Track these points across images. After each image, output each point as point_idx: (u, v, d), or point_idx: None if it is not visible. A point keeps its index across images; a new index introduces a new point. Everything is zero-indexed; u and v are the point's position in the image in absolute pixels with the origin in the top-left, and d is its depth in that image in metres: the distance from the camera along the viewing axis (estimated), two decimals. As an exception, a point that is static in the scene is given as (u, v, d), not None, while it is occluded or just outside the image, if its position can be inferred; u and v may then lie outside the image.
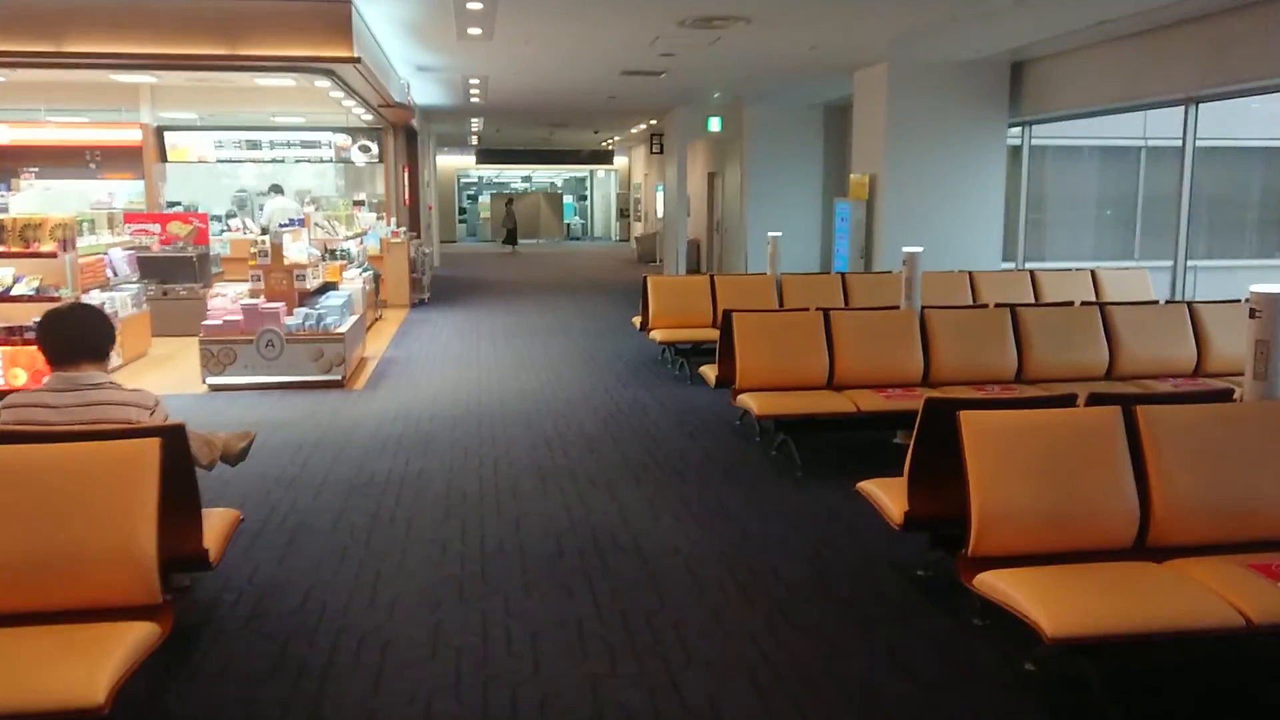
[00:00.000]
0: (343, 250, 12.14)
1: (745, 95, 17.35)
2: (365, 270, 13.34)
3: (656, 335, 9.51)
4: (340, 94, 11.73)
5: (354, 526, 5.48)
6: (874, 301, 8.00)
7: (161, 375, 9.72)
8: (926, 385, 6.74)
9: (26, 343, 8.54)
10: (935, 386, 6.69)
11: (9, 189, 13.90)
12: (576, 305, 16.18)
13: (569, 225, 38.36)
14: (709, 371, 7.50)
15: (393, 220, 16.23)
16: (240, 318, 8.95)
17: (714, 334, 7.96)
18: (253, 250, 9.26)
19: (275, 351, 8.91)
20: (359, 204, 16.36)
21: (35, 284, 8.72)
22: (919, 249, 7.20)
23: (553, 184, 39.42)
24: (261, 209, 16.67)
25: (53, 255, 8.67)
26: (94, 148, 15.36)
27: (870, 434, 7.08)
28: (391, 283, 15.31)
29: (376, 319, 13.82)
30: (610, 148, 32.50)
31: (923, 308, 7.01)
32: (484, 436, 7.44)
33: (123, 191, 15.67)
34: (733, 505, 5.76)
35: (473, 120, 22.58)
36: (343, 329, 9.29)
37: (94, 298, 9.56)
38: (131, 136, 15.32)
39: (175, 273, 12.57)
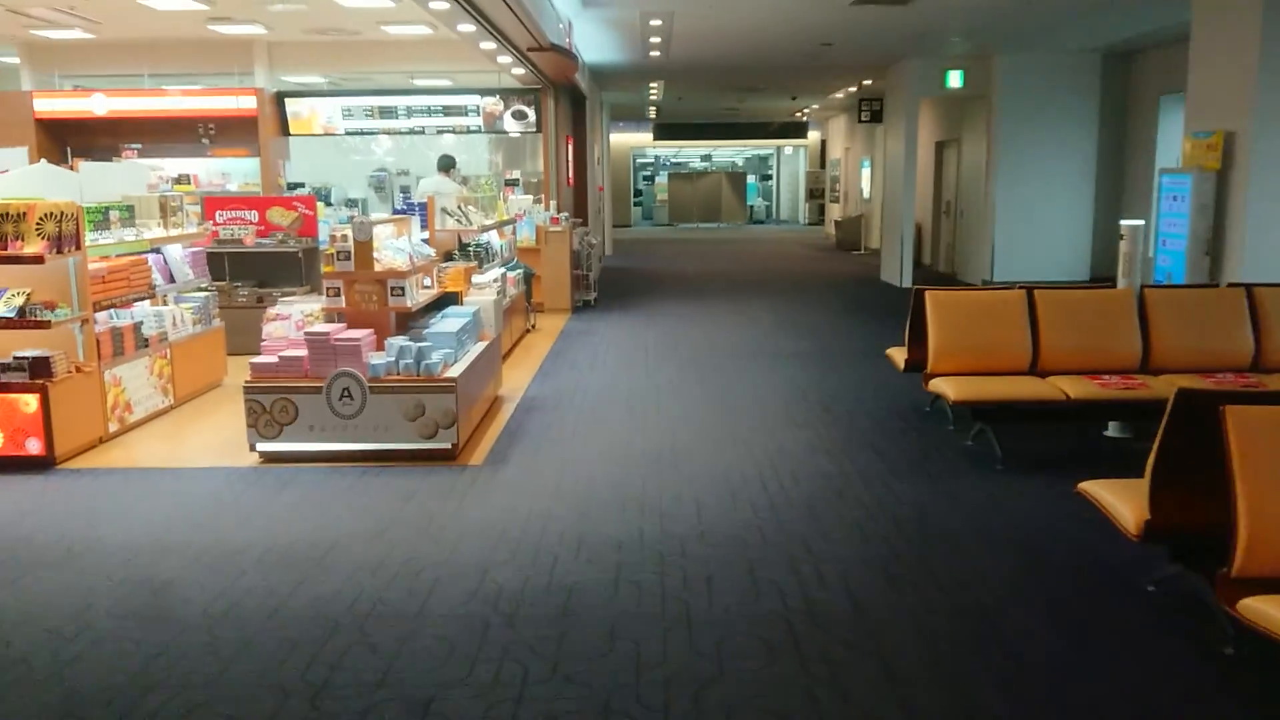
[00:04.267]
0: (478, 245, 9.02)
1: (998, 39, 13.33)
2: (513, 269, 10.23)
3: (945, 389, 5.91)
4: (473, 28, 8.61)
5: None
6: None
7: (208, 429, 6.84)
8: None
9: (4, 388, 5.76)
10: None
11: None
12: (777, 311, 12.65)
13: (751, 208, 34.76)
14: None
15: (552, 204, 13.13)
16: (304, 353, 5.91)
17: (1035, 387, 5.80)
18: (330, 250, 6.21)
19: (354, 405, 5.83)
20: (511, 185, 13.34)
21: (18, 302, 5.92)
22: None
23: (733, 163, 35.86)
24: (404, 191, 13.91)
25: (39, 260, 5.84)
26: (205, 118, 12.88)
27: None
28: (549, 282, 12.21)
29: (527, 331, 10.72)
30: (805, 118, 28.63)
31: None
32: (670, 603, 4.06)
33: (238, 171, 13.17)
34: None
35: (650, 86, 19.29)
36: (456, 370, 6.13)
37: (122, 317, 6.74)
38: (246, 104, 12.76)
39: (275, 273, 9.83)
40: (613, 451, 6.18)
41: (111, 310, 6.75)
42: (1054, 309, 6.21)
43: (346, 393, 5.82)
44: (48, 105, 12.67)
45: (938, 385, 6.04)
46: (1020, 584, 4.18)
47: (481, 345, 6.98)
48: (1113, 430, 6.39)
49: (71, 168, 8.93)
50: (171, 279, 7.70)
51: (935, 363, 6.19)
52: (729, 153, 35.94)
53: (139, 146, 12.85)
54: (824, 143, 30.79)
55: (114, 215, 6.82)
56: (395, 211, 9.79)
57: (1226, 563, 3.22)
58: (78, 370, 6.12)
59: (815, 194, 31.81)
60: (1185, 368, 6.11)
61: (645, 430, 6.70)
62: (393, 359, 5.94)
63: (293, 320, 6.29)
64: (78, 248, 6.14)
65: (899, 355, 6.91)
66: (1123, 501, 3.86)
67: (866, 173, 22.89)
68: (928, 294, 6.31)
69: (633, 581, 4.20)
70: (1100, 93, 14.29)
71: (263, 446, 5.93)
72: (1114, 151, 14.40)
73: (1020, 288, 6.35)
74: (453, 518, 4.98)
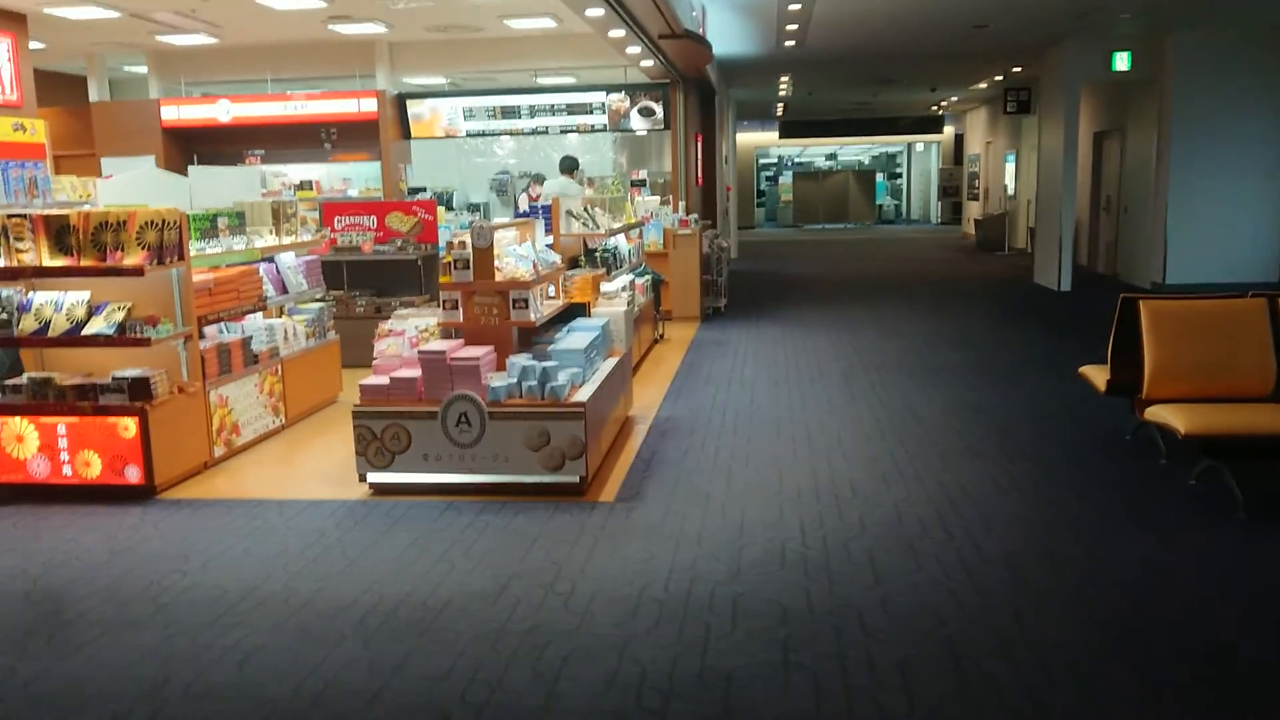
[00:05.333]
0: (605, 250, 8.34)
1: (1171, 16, 11.98)
2: (641, 275, 9.53)
3: (1170, 419, 4.89)
4: (601, 11, 7.93)
5: None
6: None
7: (319, 453, 6.32)
8: None
9: (102, 411, 5.33)
10: None
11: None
12: (922, 318, 11.62)
13: (880, 207, 33.39)
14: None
15: (681, 206, 12.39)
16: (417, 374, 5.30)
17: (1276, 420, 4.71)
18: (447, 259, 5.59)
19: (472, 432, 5.19)
20: (638, 185, 12.65)
21: (119, 318, 5.48)
22: None
23: (860, 161, 34.51)
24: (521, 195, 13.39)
25: (138, 272, 5.38)
26: (327, 122, 12.61)
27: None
28: (678, 288, 11.47)
29: (656, 341, 10.01)
30: (941, 112, 27.19)
31: None
32: (858, 700, 3.23)
33: (359, 176, 12.86)
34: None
35: (781, 80, 18.38)
36: (584, 392, 5.43)
37: (231, 332, 6.28)
38: (368, 107, 12.43)
39: (394, 281, 9.37)
40: (762, 486, 5.37)
41: (221, 325, 6.31)
42: (1303, 323, 5.14)
43: (464, 418, 5.18)
44: (174, 113, 12.60)
45: (1158, 414, 5.02)
46: (1315, 687, 3.21)
47: (612, 362, 6.27)
48: (1371, 469, 5.27)
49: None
50: (285, 289, 7.24)
51: (1153, 387, 5.18)
52: (856, 151, 34.64)
53: (262, 153, 12.67)
54: (959, 137, 29.23)
55: (222, 223, 6.36)
56: (517, 215, 9.20)
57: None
58: (180, 391, 5.65)
59: (950, 191, 30.28)
60: None
61: (796, 459, 5.87)
62: (514, 380, 5.28)
63: (406, 337, 5.69)
64: (181, 258, 5.68)
65: (1098, 375, 5.89)
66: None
67: (1010, 168, 21.43)
68: (1142, 304, 5.30)
69: (805, 668, 3.39)
70: (1290, 75, 12.76)
71: (373, 477, 5.34)
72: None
73: (1256, 295, 5.29)
74: (583, 571, 4.26)
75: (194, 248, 5.98)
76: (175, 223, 5.62)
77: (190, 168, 9.39)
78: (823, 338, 10.28)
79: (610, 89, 12.68)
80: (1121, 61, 13.30)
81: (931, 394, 7.53)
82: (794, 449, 6.11)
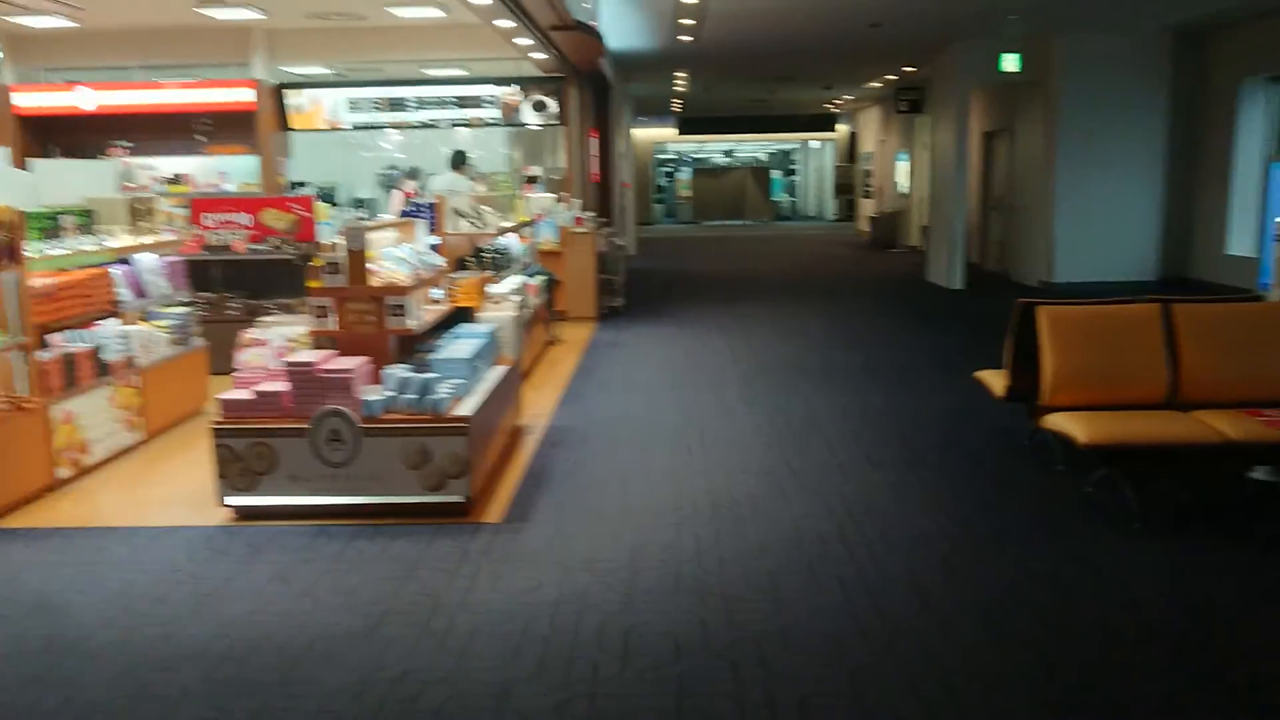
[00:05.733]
0: (495, 251, 7.97)
1: (1060, 19, 12.17)
2: (533, 275, 9.18)
3: (1070, 428, 4.78)
4: (489, 1, 7.55)
5: None
6: None
7: (178, 471, 5.82)
8: None
9: (-78, 432, 4.75)
10: None
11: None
12: (821, 318, 11.55)
13: (777, 204, 33.61)
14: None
15: (576, 203, 12.08)
16: (285, 386, 4.87)
17: (1185, 426, 4.71)
18: (317, 263, 5.17)
19: (344, 450, 4.79)
20: (531, 181, 12.28)
21: (-59, 326, 4.91)
22: None
23: (757, 159, 34.68)
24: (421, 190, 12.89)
25: (-37, 276, 4.82)
26: (200, 112, 11.89)
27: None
28: (573, 288, 11.15)
29: (549, 344, 9.67)
30: (835, 110, 27.44)
31: None
32: (760, 742, 2.99)
33: (237, 170, 12.18)
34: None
35: (678, 76, 18.20)
36: (469, 405, 5.08)
37: (82, 340, 5.71)
38: (244, 97, 11.76)
39: (271, 283, 8.81)
40: (658, 503, 5.10)
41: (68, 333, 5.74)
42: (1197, 328, 5.09)
43: (336, 435, 4.78)
44: (28, 100, 11.71)
45: (1058, 422, 4.92)
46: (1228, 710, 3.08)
47: (500, 371, 5.92)
48: (1261, 473, 5.26)
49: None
50: (143, 293, 6.68)
51: (1054, 394, 5.07)
52: (753, 148, 34.77)
53: (130, 145, 11.87)
54: (854, 136, 29.59)
55: (67, 221, 5.80)
56: (400, 213, 8.76)
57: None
58: (16, 407, 5.10)
59: (844, 189, 30.64)
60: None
61: (693, 472, 5.62)
62: (392, 393, 4.89)
63: (272, 346, 5.24)
64: (15, 261, 5.12)
65: (996, 381, 5.79)
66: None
67: (903, 166, 21.71)
68: (1041, 310, 5.20)
69: (700, 712, 3.13)
70: (1172, 77, 13.10)
71: (235, 501, 4.90)
72: (1186, 141, 13.19)
73: (1151, 301, 5.24)
74: (463, 604, 3.92)
75: (34, 249, 5.42)
76: (8, 222, 5.06)
77: (36, 161, 8.62)
78: (721, 338, 10.09)
79: (502, 82, 12.28)
80: (1010, 63, 13.46)
81: (831, 398, 7.39)
82: (691, 460, 5.86)
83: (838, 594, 3.97)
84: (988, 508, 4.98)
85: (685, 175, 33.72)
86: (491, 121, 12.53)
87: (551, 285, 9.98)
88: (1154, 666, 3.37)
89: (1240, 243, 12.20)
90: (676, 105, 25.12)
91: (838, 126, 29.83)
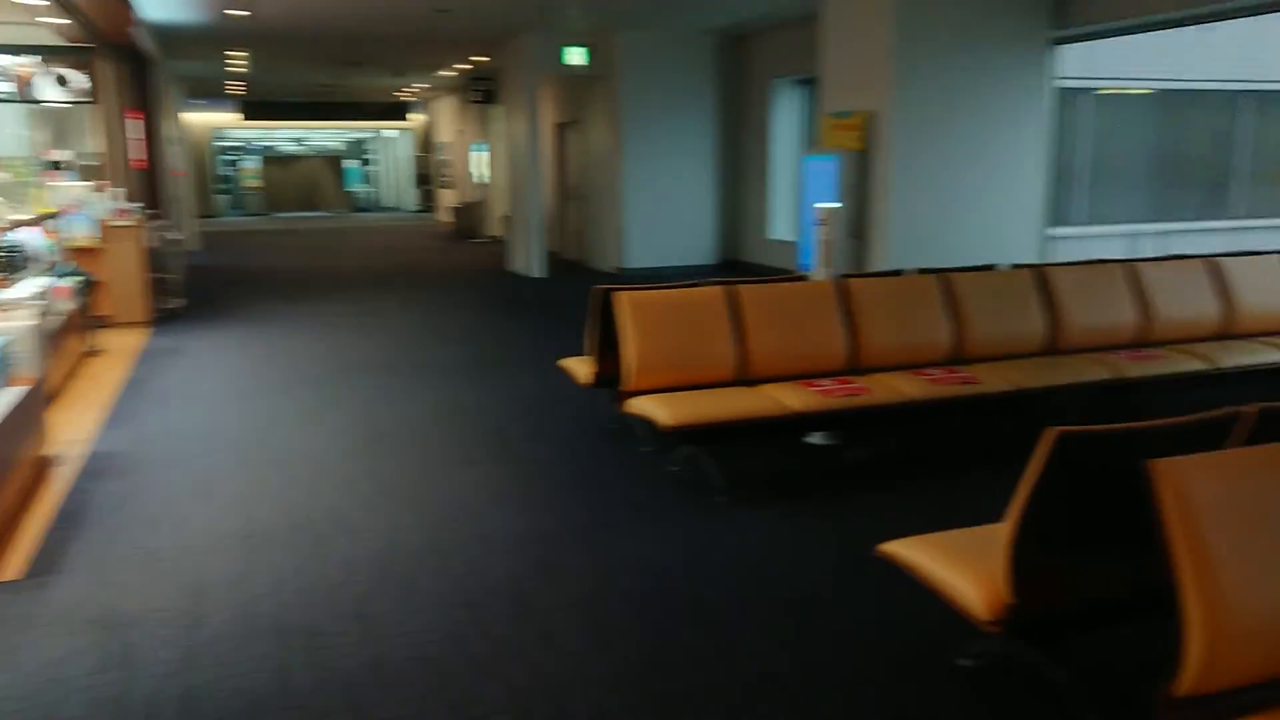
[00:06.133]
0: (5, 248, 6.68)
1: (617, 16, 12.73)
2: (64, 276, 7.86)
3: (653, 411, 4.85)
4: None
5: None
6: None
7: None
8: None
9: None
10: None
11: None
12: (406, 312, 11.16)
13: (354, 194, 32.45)
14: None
15: (117, 193, 10.60)
16: None
17: (755, 401, 5.00)
18: None
19: None
20: (56, 167, 10.59)
21: None
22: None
23: (331, 148, 33.23)
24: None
25: None
26: None
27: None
28: (118, 290, 9.78)
29: (87, 355, 8.36)
30: (408, 99, 26.91)
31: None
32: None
33: None
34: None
35: (233, 56, 16.73)
36: (-32, 440, 4.11)
37: None
38: None
39: None
40: (225, 532, 4.48)
41: None
42: (759, 307, 5.38)
43: None
44: None
45: (642, 406, 4.97)
46: (836, 669, 3.20)
47: (14, 393, 4.90)
48: (817, 438, 5.73)
49: None
50: None
51: (636, 378, 5.12)
52: (327, 136, 33.24)
53: None
54: (433, 125, 29.26)
55: None
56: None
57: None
58: None
59: (424, 179, 30.25)
60: (892, 364, 5.57)
61: (266, 491, 5.03)
62: None
63: None
64: None
65: (581, 368, 5.80)
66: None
67: (481, 157, 21.76)
68: (619, 296, 5.23)
69: (283, 781, 2.69)
70: (717, 75, 14.21)
71: None
72: (732, 135, 14.41)
73: (717, 284, 5.47)
74: (-38, 697, 3.12)
75: None
76: None
77: None
78: (298, 338, 9.35)
79: (15, 50, 10.44)
80: (576, 56, 13.86)
81: (420, 396, 7.05)
82: (264, 477, 5.25)
83: (435, 613, 3.67)
84: (582, 498, 4.94)
85: (252, 164, 31.43)
86: (7, 96, 10.62)
87: (89, 287, 8.64)
88: (751, 641, 3.44)
89: (781, 228, 13.55)
90: (237, 88, 23.25)
91: (412, 115, 29.34)
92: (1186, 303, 6.24)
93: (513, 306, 11.68)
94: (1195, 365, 5.70)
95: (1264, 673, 2.22)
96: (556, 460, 5.55)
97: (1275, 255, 6.61)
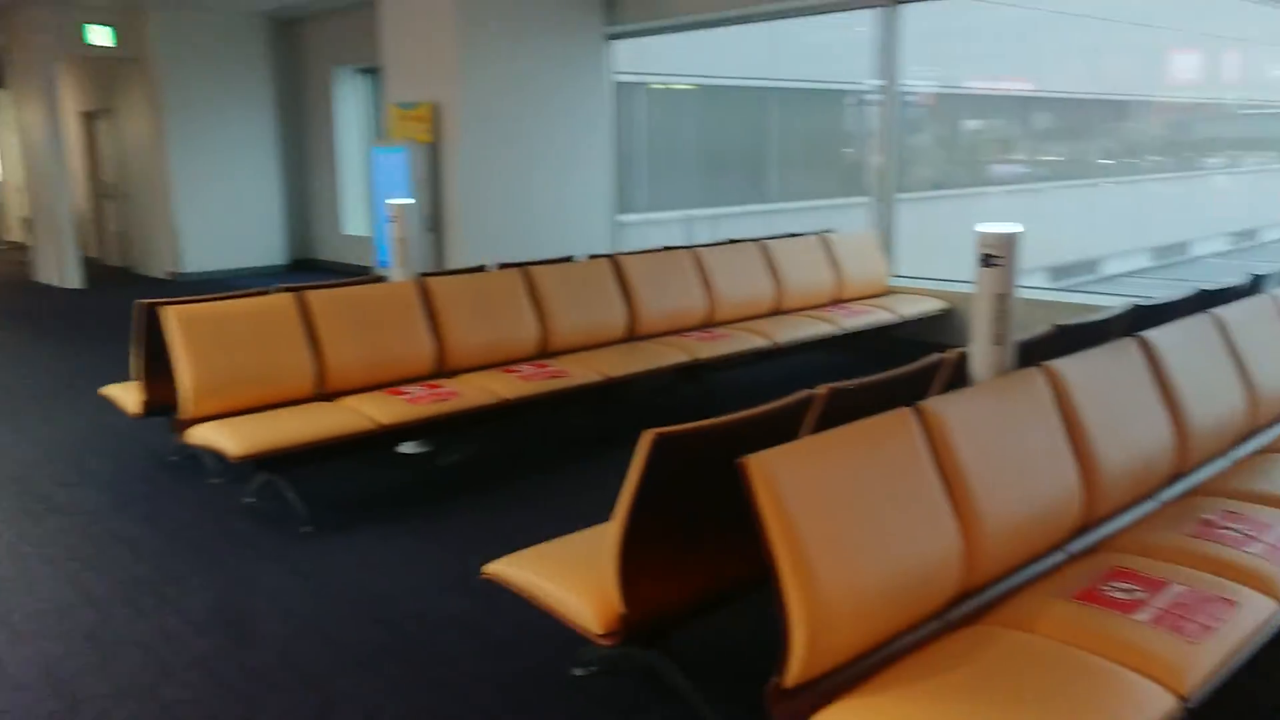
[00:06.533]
0: None
1: (147, -7, 11.41)
2: None
3: (220, 441, 4.27)
4: None
5: None
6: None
7: None
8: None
9: None
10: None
11: None
12: (-99, 339, 9.19)
13: None
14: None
15: None
16: None
17: (339, 418, 4.62)
18: None
19: None
20: None
21: None
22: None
23: None
24: None
25: None
26: None
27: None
28: None
29: None
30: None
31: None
32: None
33: None
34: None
35: None
36: None
37: None
38: None
39: None
40: None
41: None
42: (334, 314, 4.96)
43: None
44: None
45: (205, 436, 4.37)
46: (443, 707, 2.94)
47: None
48: (410, 446, 5.43)
49: None
50: None
51: (197, 405, 4.49)
52: None
53: None
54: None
55: None
56: None
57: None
58: None
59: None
60: (481, 364, 5.42)
61: None
62: None
63: None
64: None
65: (129, 396, 5.01)
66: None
67: (-10, 150, 18.61)
68: (166, 311, 4.55)
69: None
70: (273, 63, 13.23)
71: None
72: (296, 126, 13.52)
73: (285, 290, 4.97)
74: None
75: None
76: None
77: None
78: None
79: None
80: (100, 36, 12.20)
81: (-84, 446, 5.75)
82: None
83: (-58, 729, 2.92)
84: (137, 548, 4.24)
85: None
86: None
87: None
88: (350, 689, 3.09)
89: (354, 223, 12.94)
90: None
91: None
92: (744, 284, 6.73)
93: (42, 325, 10.05)
94: (757, 342, 6.14)
95: (859, 647, 2.31)
96: (108, 507, 4.75)
97: (813, 236, 7.34)
